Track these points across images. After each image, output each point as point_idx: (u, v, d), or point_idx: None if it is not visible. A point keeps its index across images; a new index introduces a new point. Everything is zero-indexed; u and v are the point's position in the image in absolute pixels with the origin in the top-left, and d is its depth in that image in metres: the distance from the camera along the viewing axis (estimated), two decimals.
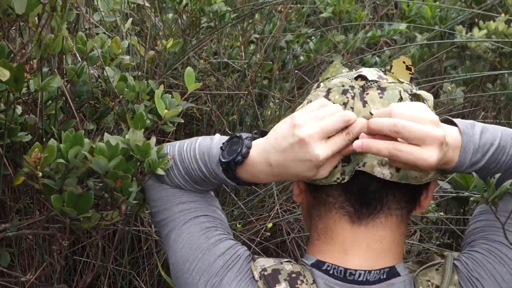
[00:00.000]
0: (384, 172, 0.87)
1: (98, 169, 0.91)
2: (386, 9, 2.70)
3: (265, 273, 0.90)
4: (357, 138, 0.86)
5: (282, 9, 1.90)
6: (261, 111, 1.84)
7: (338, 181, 0.89)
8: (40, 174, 0.89)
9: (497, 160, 0.87)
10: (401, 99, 0.89)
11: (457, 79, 2.19)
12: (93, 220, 0.97)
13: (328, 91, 0.91)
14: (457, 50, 2.29)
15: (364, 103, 0.88)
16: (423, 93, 0.93)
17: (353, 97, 0.89)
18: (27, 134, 1.07)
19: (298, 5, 2.11)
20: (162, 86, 1.14)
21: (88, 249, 1.52)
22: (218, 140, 0.97)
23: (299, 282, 0.88)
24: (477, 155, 0.86)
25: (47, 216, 1.07)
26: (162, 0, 1.62)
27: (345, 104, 0.89)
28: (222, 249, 0.94)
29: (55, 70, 1.15)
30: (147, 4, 1.61)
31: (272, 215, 1.68)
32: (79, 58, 1.16)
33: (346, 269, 0.89)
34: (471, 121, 0.89)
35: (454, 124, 0.88)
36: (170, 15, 1.68)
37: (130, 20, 1.40)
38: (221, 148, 0.94)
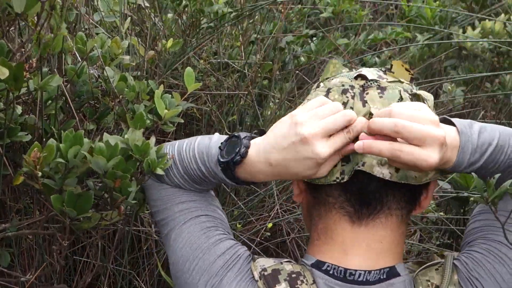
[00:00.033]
0: (383, 172, 0.87)
1: (97, 169, 0.91)
2: (386, 5, 2.69)
3: (265, 273, 0.90)
4: (357, 137, 0.86)
5: (282, 10, 1.90)
6: (261, 111, 1.84)
7: (338, 180, 0.89)
8: (40, 173, 0.89)
9: (496, 160, 0.87)
10: (401, 99, 0.89)
11: (456, 79, 2.18)
12: (93, 220, 0.97)
13: (328, 91, 0.91)
14: (456, 50, 2.29)
15: (364, 102, 0.88)
16: (423, 93, 0.93)
17: (353, 97, 0.89)
18: (27, 134, 1.07)
19: (299, 6, 2.11)
20: (162, 86, 1.14)
21: (88, 249, 1.52)
22: (217, 139, 0.97)
23: (299, 282, 0.88)
24: (475, 155, 0.86)
25: (47, 216, 1.07)
26: (162, 1, 1.62)
27: (345, 104, 0.89)
28: (223, 249, 0.94)
29: (55, 70, 1.15)
30: (147, 4, 1.61)
31: (272, 215, 1.68)
32: (79, 58, 1.17)
33: (346, 269, 0.89)
34: (469, 121, 0.89)
35: (452, 124, 0.88)
36: (170, 15, 1.68)
37: (129, 19, 1.40)
38: (219, 147, 0.94)
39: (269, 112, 1.86)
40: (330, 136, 0.85)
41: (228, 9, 1.64)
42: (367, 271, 0.89)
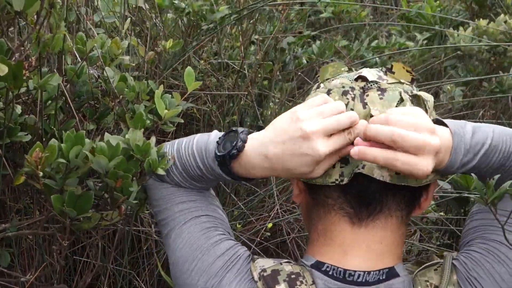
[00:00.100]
0: (383, 175, 0.87)
1: (99, 168, 0.91)
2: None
3: (265, 274, 0.89)
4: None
5: (282, 11, 1.90)
6: (261, 111, 1.85)
7: (337, 182, 0.88)
8: (41, 174, 0.89)
9: (489, 159, 0.87)
10: (401, 100, 0.89)
11: (455, 81, 2.19)
12: (93, 220, 0.97)
13: (328, 92, 0.91)
14: (454, 50, 2.29)
15: (364, 104, 0.88)
16: (423, 94, 0.93)
17: (353, 98, 0.89)
18: (27, 134, 1.07)
19: (299, 6, 2.11)
20: (162, 86, 1.14)
21: (88, 249, 1.52)
22: (215, 135, 0.97)
23: (298, 283, 0.88)
24: (468, 156, 0.86)
25: (47, 216, 1.07)
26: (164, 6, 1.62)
27: (345, 106, 0.89)
28: (222, 250, 0.94)
29: (55, 70, 1.15)
30: (147, 5, 1.61)
31: (272, 215, 1.68)
32: (79, 59, 1.17)
33: (345, 270, 0.89)
34: (462, 121, 0.89)
35: (445, 125, 0.88)
36: (170, 15, 1.68)
37: (128, 20, 1.40)
38: (217, 142, 0.94)
39: (269, 112, 1.86)
40: (330, 136, 0.85)
41: (228, 11, 1.64)
42: (366, 272, 0.89)
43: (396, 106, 0.88)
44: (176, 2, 1.59)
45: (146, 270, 1.62)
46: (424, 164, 0.80)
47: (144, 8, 1.60)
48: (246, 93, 1.75)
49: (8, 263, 1.19)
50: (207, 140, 0.96)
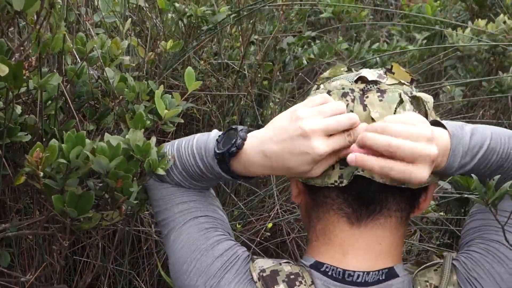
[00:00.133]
0: (383, 177, 0.87)
1: (100, 169, 0.91)
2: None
3: (264, 274, 0.89)
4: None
5: (282, 11, 1.90)
6: (261, 111, 1.85)
7: (336, 184, 0.88)
8: (42, 174, 0.89)
9: (487, 161, 0.87)
10: (401, 102, 0.89)
11: (455, 83, 2.18)
12: (93, 220, 0.97)
13: (328, 93, 0.91)
14: (454, 50, 2.29)
15: (364, 106, 0.88)
16: (423, 95, 0.92)
17: (353, 100, 0.89)
18: (27, 134, 1.08)
19: (299, 6, 2.11)
20: (162, 86, 1.14)
21: (88, 249, 1.52)
22: (215, 134, 0.97)
23: (297, 283, 0.88)
24: (466, 158, 0.86)
25: (47, 216, 1.07)
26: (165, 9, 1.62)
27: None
28: (221, 250, 0.94)
29: (55, 70, 1.15)
30: (147, 5, 1.61)
31: (272, 215, 1.68)
32: (79, 59, 1.17)
33: (344, 270, 0.89)
34: (460, 123, 0.89)
35: (443, 126, 0.88)
36: (170, 15, 1.68)
37: (129, 20, 1.40)
38: (217, 140, 0.94)
39: (269, 112, 1.86)
40: (330, 136, 0.85)
41: (229, 11, 1.64)
42: (365, 272, 0.89)
43: (396, 108, 0.88)
44: (177, 5, 1.59)
45: (146, 270, 1.62)
46: (419, 173, 0.81)
47: (144, 8, 1.60)
48: (246, 93, 1.75)
49: (8, 263, 1.19)
50: (207, 139, 0.97)
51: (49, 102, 1.15)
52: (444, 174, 0.89)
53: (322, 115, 0.86)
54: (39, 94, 1.09)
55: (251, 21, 1.79)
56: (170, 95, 1.16)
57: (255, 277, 0.90)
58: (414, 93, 0.92)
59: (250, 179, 0.98)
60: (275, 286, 0.88)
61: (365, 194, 0.89)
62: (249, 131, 0.93)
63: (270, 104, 1.89)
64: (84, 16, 1.33)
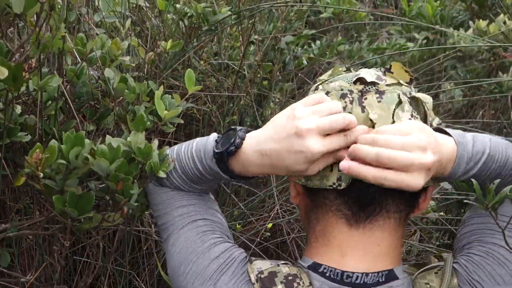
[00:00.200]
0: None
1: (100, 171, 0.91)
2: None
3: (262, 276, 0.89)
4: (355, 142, 0.86)
5: (281, 11, 1.90)
6: (261, 111, 1.85)
7: (334, 186, 0.88)
8: (41, 174, 0.89)
9: (488, 168, 0.88)
10: (400, 103, 0.89)
11: (454, 87, 2.18)
12: (94, 220, 0.98)
13: (327, 94, 0.91)
14: (454, 51, 2.29)
15: (363, 108, 0.88)
16: (421, 95, 0.92)
17: (351, 102, 0.89)
18: (27, 134, 1.08)
19: (298, 6, 2.11)
20: (162, 87, 1.14)
21: (88, 249, 1.52)
22: (214, 137, 0.98)
23: (295, 284, 0.88)
24: (469, 164, 0.87)
25: (47, 217, 1.07)
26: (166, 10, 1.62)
27: (343, 109, 0.89)
28: (217, 253, 0.95)
29: (55, 71, 1.15)
30: (147, 4, 1.61)
31: (272, 215, 1.68)
32: (79, 59, 1.17)
33: (343, 272, 0.89)
34: (459, 131, 0.90)
35: (447, 134, 0.88)
36: (170, 15, 1.68)
37: (129, 20, 1.40)
38: (216, 141, 0.95)
39: (269, 112, 1.86)
40: (327, 136, 0.85)
41: (229, 12, 1.64)
42: (364, 274, 0.89)
43: (395, 109, 0.88)
44: (178, 6, 1.59)
45: (146, 270, 1.62)
46: (412, 180, 0.81)
47: (144, 8, 1.60)
48: (245, 94, 1.75)
49: (8, 263, 1.19)
50: (206, 141, 0.97)
51: (49, 102, 1.15)
52: (448, 179, 0.90)
53: (318, 114, 0.86)
54: (39, 95, 1.09)
55: (251, 21, 1.79)
56: (170, 96, 1.16)
57: (253, 279, 0.90)
58: (413, 93, 0.92)
59: (249, 179, 0.98)
60: (273, 287, 0.88)
61: (364, 197, 0.89)
62: (248, 131, 0.93)
63: (270, 104, 1.89)
64: (86, 17, 1.33)
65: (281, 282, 0.88)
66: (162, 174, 0.95)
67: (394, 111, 0.88)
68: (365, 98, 0.89)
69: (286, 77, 2.01)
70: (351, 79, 0.91)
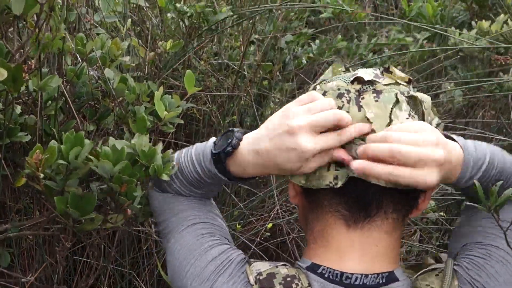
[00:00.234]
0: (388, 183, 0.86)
1: (103, 173, 0.91)
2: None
3: (261, 278, 0.89)
4: (351, 141, 0.86)
5: (280, 11, 1.90)
6: (261, 111, 1.85)
7: (331, 185, 0.88)
8: (42, 175, 0.89)
9: (488, 174, 0.89)
10: (397, 102, 0.88)
11: (454, 88, 2.18)
12: (95, 221, 0.98)
13: (324, 94, 0.91)
14: (455, 51, 2.29)
15: (360, 107, 0.88)
16: (420, 95, 0.92)
17: (348, 101, 0.88)
18: (27, 134, 1.08)
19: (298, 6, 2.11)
20: (161, 87, 1.14)
21: (88, 249, 1.53)
22: (213, 140, 0.98)
23: (293, 285, 0.88)
24: (474, 169, 0.88)
25: (48, 218, 1.07)
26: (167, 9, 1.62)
27: (340, 108, 0.88)
28: (214, 254, 0.95)
29: (56, 73, 1.15)
30: (147, 4, 1.61)
31: (272, 215, 1.68)
32: (79, 59, 1.17)
33: (342, 273, 0.89)
34: (460, 137, 0.90)
35: (451, 139, 0.88)
36: (170, 15, 1.68)
37: (129, 21, 1.40)
38: (214, 143, 0.96)
39: (269, 112, 1.86)
40: (321, 134, 0.86)
41: (230, 12, 1.64)
42: (363, 275, 0.89)
43: (392, 108, 0.87)
44: (178, 5, 1.59)
45: (146, 270, 1.62)
46: (428, 177, 0.81)
47: (144, 7, 1.60)
48: (245, 93, 1.75)
49: (8, 263, 1.19)
50: (205, 145, 0.98)
51: (49, 102, 1.16)
52: (456, 185, 0.90)
53: (310, 112, 0.86)
54: (39, 95, 1.09)
55: (251, 21, 1.79)
56: (170, 96, 1.16)
57: (252, 280, 0.90)
58: (411, 93, 0.92)
59: (247, 180, 0.98)
60: None
61: (362, 197, 0.89)
62: (246, 133, 0.94)
63: (270, 104, 1.89)
64: (87, 16, 1.33)
65: (280, 283, 0.88)
66: (165, 177, 0.95)
67: (391, 110, 0.87)
68: (362, 98, 0.88)
69: (286, 77, 2.01)
70: (348, 78, 0.91)
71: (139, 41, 1.46)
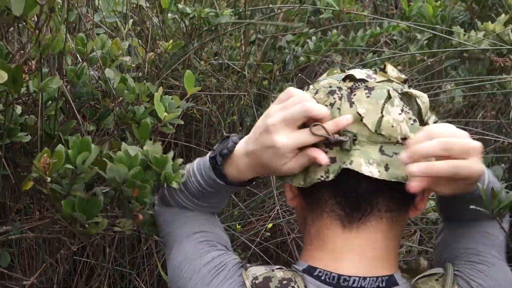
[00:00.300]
0: (371, 170, 0.84)
1: (117, 177, 0.92)
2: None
3: (257, 282, 0.89)
4: (326, 138, 0.85)
5: (280, 10, 1.89)
6: (261, 111, 1.84)
7: (322, 179, 0.87)
8: (49, 179, 0.90)
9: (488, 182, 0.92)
10: (389, 98, 0.88)
11: (456, 87, 2.18)
12: (100, 225, 0.98)
13: (316, 92, 0.91)
14: (457, 52, 2.28)
15: (351, 103, 0.87)
16: (414, 91, 0.91)
17: (340, 98, 0.88)
18: (27, 135, 1.08)
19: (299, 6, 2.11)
20: (161, 88, 1.14)
21: (88, 249, 1.53)
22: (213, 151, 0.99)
23: None
24: (485, 181, 0.90)
25: (51, 220, 1.07)
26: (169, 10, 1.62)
27: (332, 105, 0.88)
28: (208, 258, 0.95)
29: (56, 73, 1.15)
30: (148, 4, 1.61)
31: (272, 215, 1.68)
32: (80, 59, 1.17)
33: (340, 275, 0.88)
34: None
35: None
36: (170, 15, 1.68)
37: (131, 21, 1.40)
38: (213, 149, 0.97)
39: None
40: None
41: (231, 13, 1.64)
42: (361, 278, 0.88)
43: (384, 103, 0.87)
44: (180, 6, 1.59)
45: (146, 270, 1.62)
46: (476, 165, 0.81)
47: (144, 7, 1.60)
48: (245, 93, 1.75)
49: (8, 263, 1.19)
50: (206, 156, 1.00)
51: (49, 102, 1.15)
52: (471, 194, 0.89)
53: (285, 108, 0.87)
54: (40, 95, 1.09)
55: (251, 21, 1.79)
56: (170, 96, 1.16)
57: (248, 285, 0.89)
58: (405, 89, 0.91)
59: (244, 185, 0.99)
60: None
61: (355, 193, 0.88)
62: (242, 138, 0.95)
63: (270, 104, 1.89)
64: (88, 16, 1.33)
65: (276, 287, 0.88)
66: (175, 185, 0.97)
67: (383, 106, 0.87)
68: (354, 94, 0.88)
69: (286, 77, 2.01)
70: (341, 77, 0.91)
71: (139, 41, 1.46)
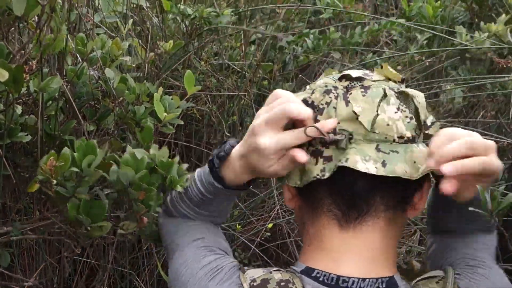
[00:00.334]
0: (368, 167, 0.83)
1: (123, 180, 0.92)
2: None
3: (255, 284, 0.89)
4: (310, 140, 0.85)
5: (279, 10, 1.90)
6: None
7: (318, 177, 0.86)
8: (55, 181, 0.90)
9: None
10: (385, 96, 0.87)
11: (457, 86, 2.18)
12: (104, 228, 0.98)
13: (312, 92, 0.91)
14: (457, 51, 2.28)
15: (347, 102, 0.87)
16: (411, 91, 0.90)
17: (336, 97, 0.88)
18: (27, 135, 1.08)
19: (300, 6, 2.11)
20: (161, 88, 1.14)
21: (88, 250, 1.53)
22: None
23: None
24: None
25: (54, 221, 1.08)
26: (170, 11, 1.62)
27: (327, 104, 0.87)
28: (206, 262, 0.96)
29: (56, 73, 1.15)
30: (148, 4, 1.61)
31: (272, 215, 1.68)
32: (80, 59, 1.17)
33: (339, 277, 0.88)
34: None
35: None
36: (171, 15, 1.68)
37: (131, 21, 1.40)
38: (211, 154, 0.99)
39: None
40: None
41: (231, 13, 1.64)
42: (361, 279, 0.87)
43: (380, 102, 0.87)
44: (182, 7, 1.59)
45: (146, 270, 1.62)
46: (498, 161, 0.83)
47: (145, 7, 1.60)
48: (246, 93, 1.75)
49: (8, 263, 1.19)
50: (205, 165, 1.00)
51: (50, 102, 1.15)
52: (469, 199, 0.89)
53: (270, 110, 0.87)
54: (40, 95, 1.09)
55: (252, 21, 1.79)
56: (170, 97, 1.16)
57: (246, 287, 0.89)
58: (402, 89, 0.90)
59: (242, 189, 0.99)
60: None
61: (352, 192, 0.87)
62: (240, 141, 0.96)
63: None
64: (88, 16, 1.33)
65: None
66: (179, 189, 0.97)
67: (379, 104, 0.86)
68: (350, 93, 0.88)
69: (286, 77, 2.01)
70: (337, 77, 0.91)
71: (139, 41, 1.46)
